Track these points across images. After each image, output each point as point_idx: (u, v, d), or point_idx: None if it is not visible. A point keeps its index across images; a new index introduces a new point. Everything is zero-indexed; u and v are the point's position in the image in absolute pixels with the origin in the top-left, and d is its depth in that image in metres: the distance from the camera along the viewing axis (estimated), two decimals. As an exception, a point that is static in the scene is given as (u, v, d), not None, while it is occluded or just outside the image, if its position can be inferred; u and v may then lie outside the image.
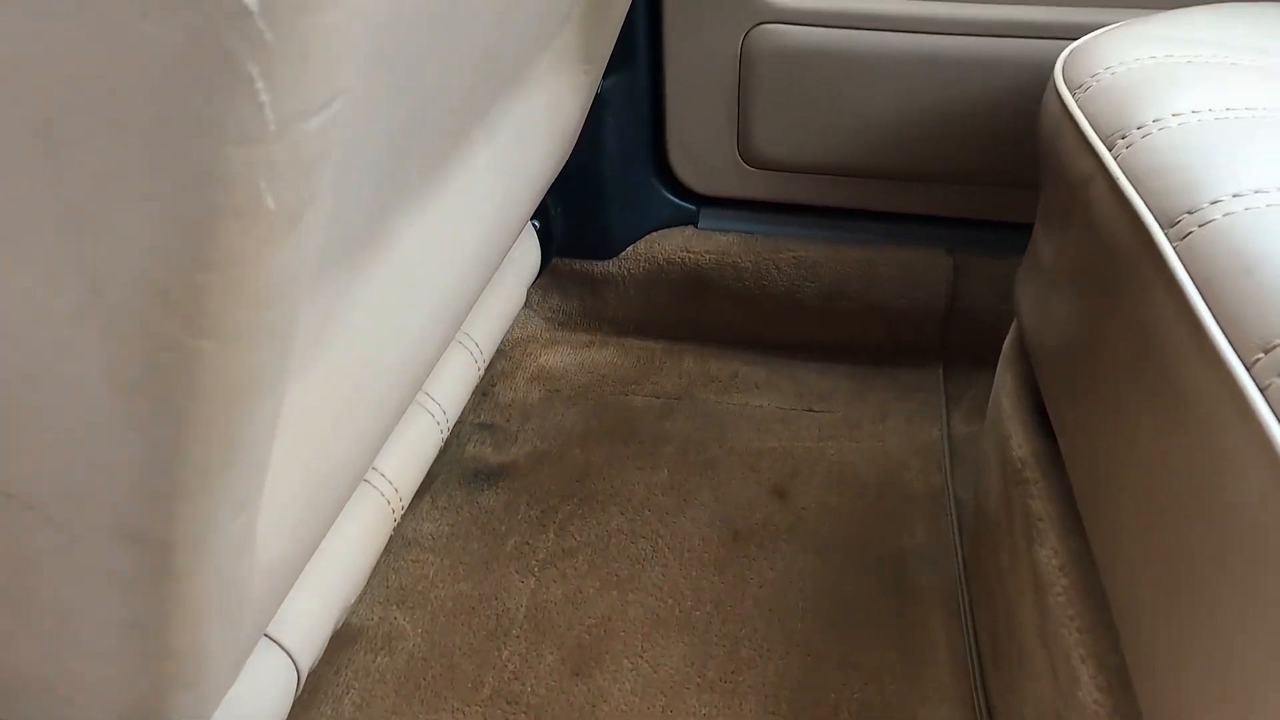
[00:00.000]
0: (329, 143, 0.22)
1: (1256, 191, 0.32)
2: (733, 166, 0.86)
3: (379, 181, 0.34)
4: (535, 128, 0.57)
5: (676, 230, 0.90)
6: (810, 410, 0.88)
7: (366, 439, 0.39)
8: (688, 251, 0.89)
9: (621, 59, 0.80)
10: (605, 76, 0.82)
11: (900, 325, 0.88)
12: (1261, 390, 0.26)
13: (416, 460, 0.59)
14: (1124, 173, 0.38)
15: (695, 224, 0.91)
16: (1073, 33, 0.72)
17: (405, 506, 0.58)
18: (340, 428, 0.37)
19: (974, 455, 0.76)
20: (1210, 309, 0.28)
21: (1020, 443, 0.48)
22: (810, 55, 0.77)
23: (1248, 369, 0.26)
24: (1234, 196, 0.33)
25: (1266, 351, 0.26)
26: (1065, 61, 0.53)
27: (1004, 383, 0.54)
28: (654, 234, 0.91)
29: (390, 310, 0.38)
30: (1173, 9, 0.70)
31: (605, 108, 0.81)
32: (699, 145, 0.86)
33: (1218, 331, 0.27)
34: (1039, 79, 0.74)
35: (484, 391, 0.91)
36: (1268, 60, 0.46)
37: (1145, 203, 0.35)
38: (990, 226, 0.84)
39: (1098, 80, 0.47)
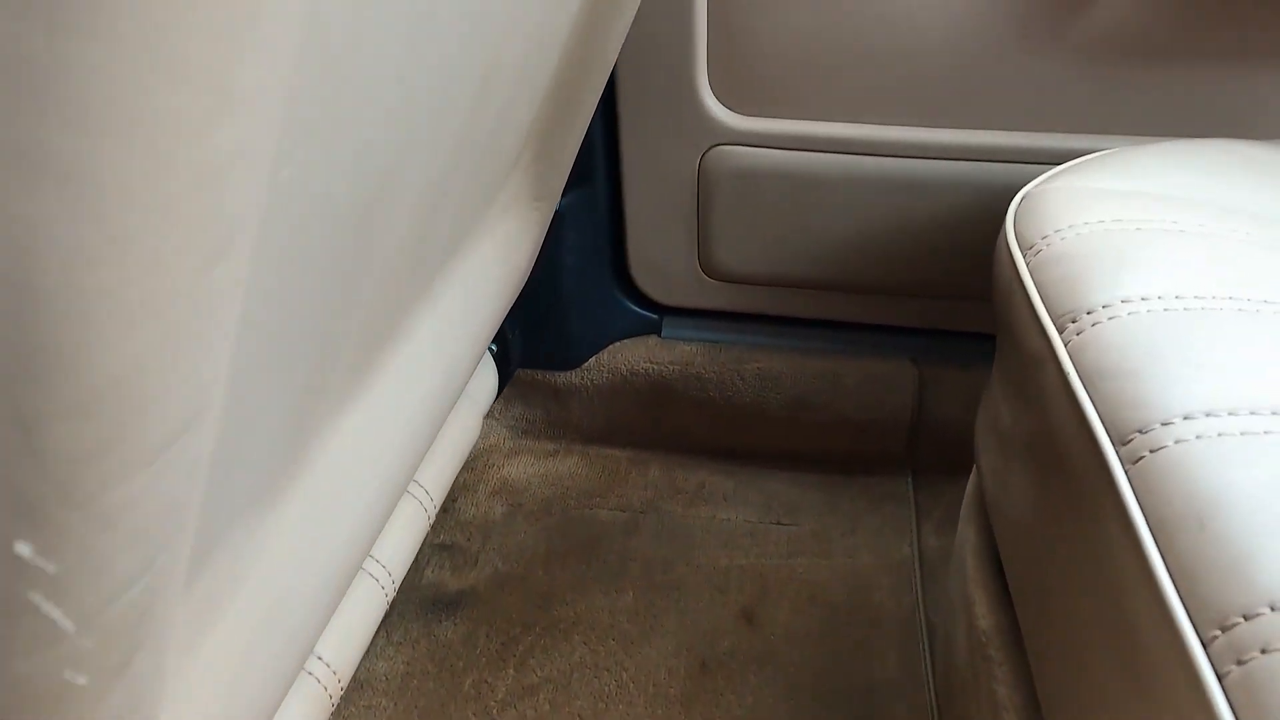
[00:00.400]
0: (157, 592, 0.21)
1: (1207, 414, 0.32)
2: (694, 278, 0.85)
3: (297, 402, 0.33)
4: (484, 277, 0.55)
5: (640, 340, 0.89)
6: (779, 523, 0.86)
7: (294, 650, 0.37)
8: (651, 362, 0.88)
9: (580, 177, 0.80)
10: (564, 194, 0.81)
11: (867, 435, 0.87)
12: (1220, 678, 0.24)
13: (357, 635, 0.56)
14: (1076, 370, 0.37)
15: (659, 333, 0.90)
16: (1029, 156, 0.72)
17: (345, 688, 0.55)
18: (262, 645, 0.35)
19: (945, 575, 0.74)
20: (1168, 567, 0.27)
21: (984, 613, 0.47)
22: (767, 176, 0.77)
23: (1205, 646, 0.25)
24: (1184, 419, 0.32)
25: (1224, 629, 0.25)
26: (1016, 213, 0.52)
27: (966, 536, 0.53)
28: (617, 344, 0.90)
29: (311, 534, 0.36)
30: (1126, 134, 0.71)
31: (564, 224, 0.81)
32: (660, 258, 0.85)
33: (1176, 601, 0.26)
34: (996, 202, 0.74)
35: (444, 507, 0.88)
36: (1212, 224, 0.46)
37: (1099, 412, 0.34)
38: (955, 336, 0.84)
39: (1048, 244, 0.47)
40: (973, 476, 0.57)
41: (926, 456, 0.87)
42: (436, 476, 0.63)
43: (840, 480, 0.89)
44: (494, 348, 0.78)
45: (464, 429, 0.69)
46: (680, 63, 0.73)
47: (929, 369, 0.85)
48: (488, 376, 0.76)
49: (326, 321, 0.32)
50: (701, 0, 0.71)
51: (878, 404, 0.85)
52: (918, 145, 0.73)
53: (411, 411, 0.49)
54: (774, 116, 0.75)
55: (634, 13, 0.57)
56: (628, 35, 0.73)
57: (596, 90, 0.60)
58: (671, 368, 0.88)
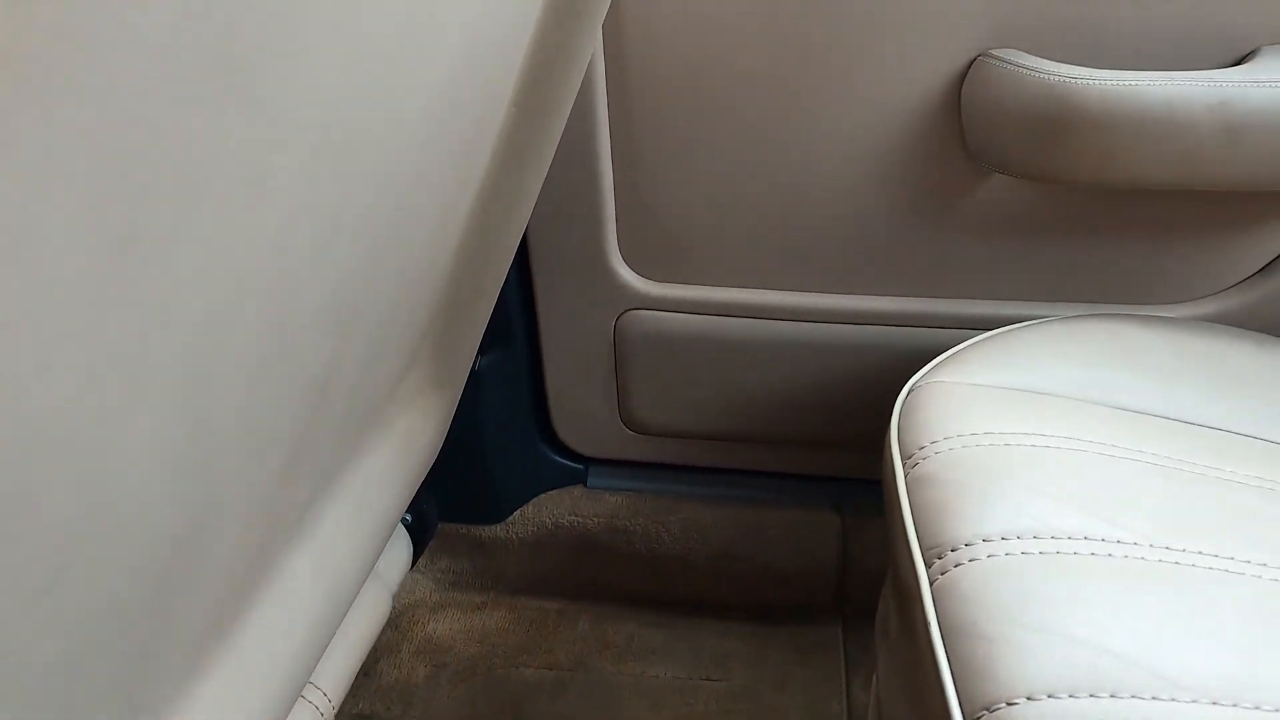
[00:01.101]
0: None
1: (1070, 695, 0.32)
2: (617, 431, 0.85)
3: (126, 676, 0.31)
4: (379, 482, 0.55)
5: (566, 491, 0.89)
6: (708, 679, 0.84)
7: None
8: (576, 515, 0.87)
9: (498, 339, 0.81)
10: (482, 354, 0.82)
11: (794, 585, 0.86)
12: None
13: None
14: (938, 622, 0.37)
15: (584, 483, 0.89)
16: (931, 321, 0.74)
17: None
18: None
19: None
20: None
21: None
22: (680, 338, 0.78)
23: None
24: (1028, 700, 0.32)
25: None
26: (902, 410, 0.54)
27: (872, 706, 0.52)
28: (543, 495, 0.89)
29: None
30: (1018, 299, 0.73)
31: (484, 383, 0.81)
32: (582, 411, 0.85)
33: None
34: (904, 362, 0.76)
35: (365, 670, 0.85)
36: (1079, 431, 0.47)
37: (954, 678, 0.35)
38: (877, 484, 0.84)
39: (924, 458, 0.47)
40: (877, 672, 0.56)
41: (855, 605, 0.87)
42: (336, 675, 0.61)
43: (770, 629, 0.88)
44: (408, 517, 0.77)
45: (369, 614, 0.67)
46: (591, 232, 0.75)
47: (853, 517, 0.85)
48: (399, 552, 0.75)
49: (188, 560, 0.31)
50: (608, 172, 0.73)
51: (804, 553, 0.85)
52: (823, 311, 0.75)
53: (304, 625, 0.48)
54: (684, 282, 0.77)
55: (532, 200, 0.58)
56: (541, 205, 0.75)
57: (499, 279, 0.61)
58: (597, 520, 0.87)
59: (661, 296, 0.77)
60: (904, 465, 0.48)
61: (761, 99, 0.68)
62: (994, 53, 0.63)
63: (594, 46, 0.55)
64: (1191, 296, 0.71)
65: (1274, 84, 0.57)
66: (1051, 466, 0.44)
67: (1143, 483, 0.44)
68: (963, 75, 0.64)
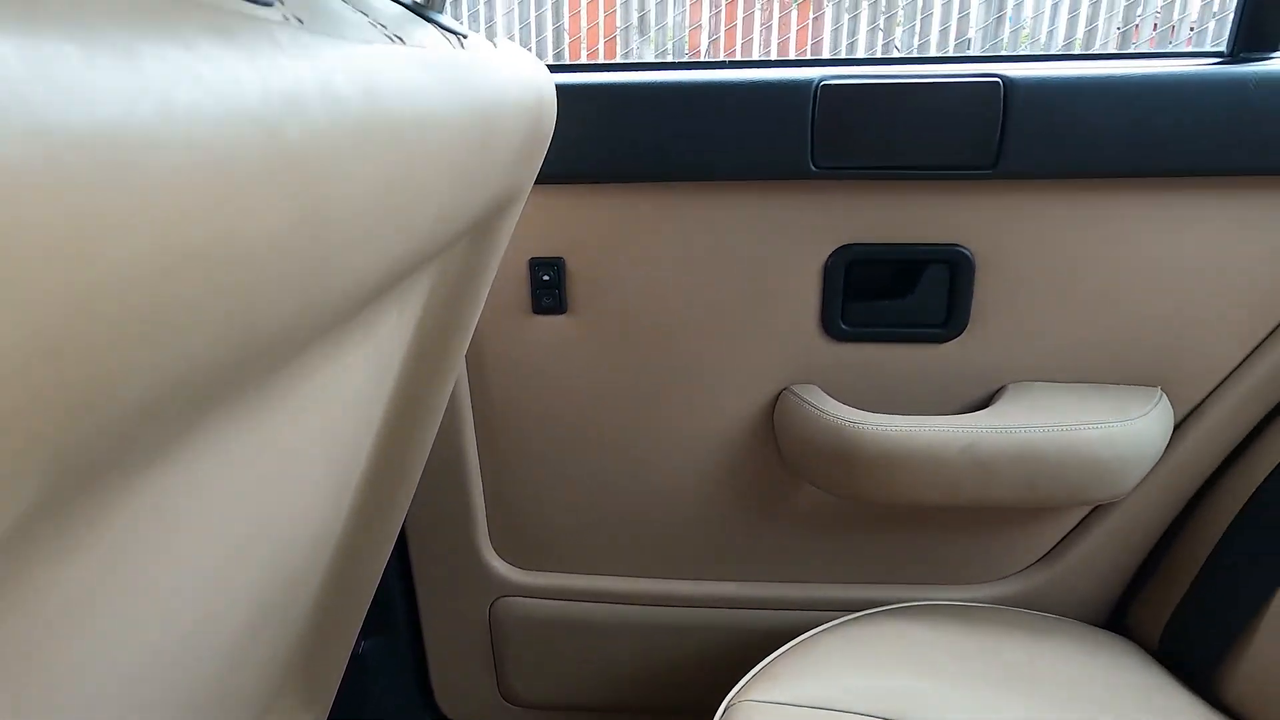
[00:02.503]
0: None
1: None
2: (498, 706, 0.89)
3: None
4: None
5: (449, 764, 0.91)
6: None
7: None
8: (458, 791, 0.89)
9: (380, 624, 0.85)
10: (365, 638, 0.86)
11: None
12: None
13: None
14: None
15: (468, 755, 0.92)
16: (769, 604, 0.82)
17: None
18: None
19: None
20: None
21: None
22: (551, 623, 0.84)
23: None
24: None
25: None
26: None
27: None
28: (426, 770, 0.91)
29: None
30: (852, 582, 0.82)
31: (367, 664, 0.85)
32: (462, 687, 0.89)
33: None
34: (746, 641, 0.82)
35: None
36: None
37: None
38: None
39: None
40: None
41: None
42: None
43: None
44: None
45: None
46: (465, 529, 0.82)
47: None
48: None
49: None
50: (477, 478, 0.81)
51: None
52: (673, 596, 0.83)
53: None
54: (552, 571, 0.84)
55: (390, 542, 0.65)
56: (419, 506, 0.82)
57: (362, 606, 0.67)
58: (479, 795, 0.89)
59: (531, 584, 0.84)
60: None
61: (612, 419, 0.78)
62: (794, 389, 0.74)
63: (445, 399, 0.64)
64: (991, 578, 0.81)
65: (1010, 428, 0.69)
66: None
67: None
68: (774, 404, 0.76)
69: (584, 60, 3.98)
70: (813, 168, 0.67)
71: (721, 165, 0.68)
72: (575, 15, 3.96)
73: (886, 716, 0.60)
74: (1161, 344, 0.72)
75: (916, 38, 3.82)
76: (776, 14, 3.99)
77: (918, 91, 0.65)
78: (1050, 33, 3.75)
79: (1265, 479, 0.69)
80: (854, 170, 0.67)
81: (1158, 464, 0.75)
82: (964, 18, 3.77)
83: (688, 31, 4.01)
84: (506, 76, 0.41)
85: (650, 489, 0.80)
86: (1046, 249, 0.70)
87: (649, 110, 0.67)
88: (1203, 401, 0.73)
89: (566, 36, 3.92)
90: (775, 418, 0.76)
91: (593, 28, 3.97)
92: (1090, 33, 3.75)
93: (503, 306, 0.75)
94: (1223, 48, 0.68)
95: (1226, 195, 0.67)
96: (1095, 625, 0.78)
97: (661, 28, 3.99)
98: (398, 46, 0.27)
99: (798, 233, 0.71)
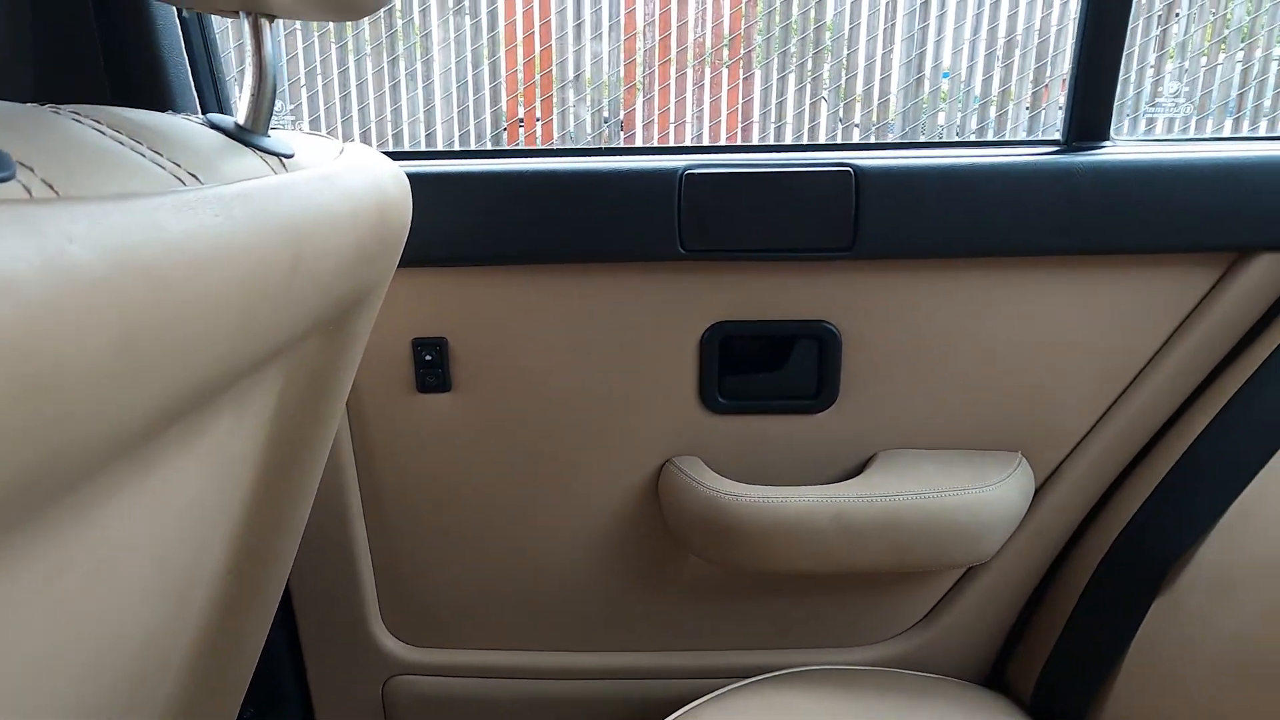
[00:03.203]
0: None
1: None
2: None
3: None
4: None
5: None
6: None
7: None
8: None
9: (270, 706, 0.84)
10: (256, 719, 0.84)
11: None
12: None
13: None
14: None
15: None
16: (664, 674, 0.83)
17: None
18: None
19: None
20: None
21: None
22: (447, 701, 0.84)
23: None
24: None
25: None
26: None
27: None
28: None
29: None
30: (747, 648, 0.83)
31: (255, 755, 0.83)
32: (358, 771, 0.87)
33: None
34: (642, 712, 0.83)
35: None
36: None
37: None
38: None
39: None
40: None
41: None
42: None
43: None
44: None
45: None
46: (355, 606, 0.82)
47: None
48: None
49: None
50: (366, 555, 0.81)
51: None
52: (567, 669, 0.83)
53: None
54: (445, 647, 0.84)
55: (272, 611, 0.64)
56: (308, 582, 0.81)
57: (236, 696, 0.66)
58: None
59: (424, 662, 0.83)
60: None
61: (500, 495, 0.79)
62: (676, 461, 0.76)
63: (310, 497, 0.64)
64: (875, 640, 0.83)
65: (876, 497, 0.72)
66: None
67: None
68: (657, 476, 0.78)
69: (520, 115, 4.05)
70: (681, 250, 0.70)
71: (596, 248, 0.70)
72: (512, 74, 4.04)
73: None
74: (1019, 412, 0.76)
75: (842, 98, 3.98)
76: (708, 75, 4.13)
77: (776, 179, 0.68)
78: (967, 90, 3.95)
79: (1118, 534, 0.72)
80: (722, 253, 0.70)
81: (1023, 524, 0.78)
82: (885, 79, 3.95)
83: (623, 91, 4.12)
84: (339, 188, 0.42)
85: (540, 564, 0.81)
86: (906, 324, 0.73)
87: (527, 197, 0.69)
88: (1060, 464, 0.77)
89: (504, 91, 3.99)
90: (659, 489, 0.77)
91: (530, 87, 4.05)
92: (1004, 92, 3.96)
93: (387, 386, 0.75)
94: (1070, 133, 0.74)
95: (1067, 274, 0.72)
96: (975, 683, 0.80)
97: (597, 86, 4.09)
98: (171, 195, 0.28)
99: (673, 311, 0.73)
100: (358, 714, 0.85)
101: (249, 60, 0.42)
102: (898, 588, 0.81)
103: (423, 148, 3.71)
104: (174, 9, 0.68)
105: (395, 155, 0.73)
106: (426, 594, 0.82)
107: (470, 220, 0.70)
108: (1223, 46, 3.87)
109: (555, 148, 0.75)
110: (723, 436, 0.77)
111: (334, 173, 0.43)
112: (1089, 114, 0.72)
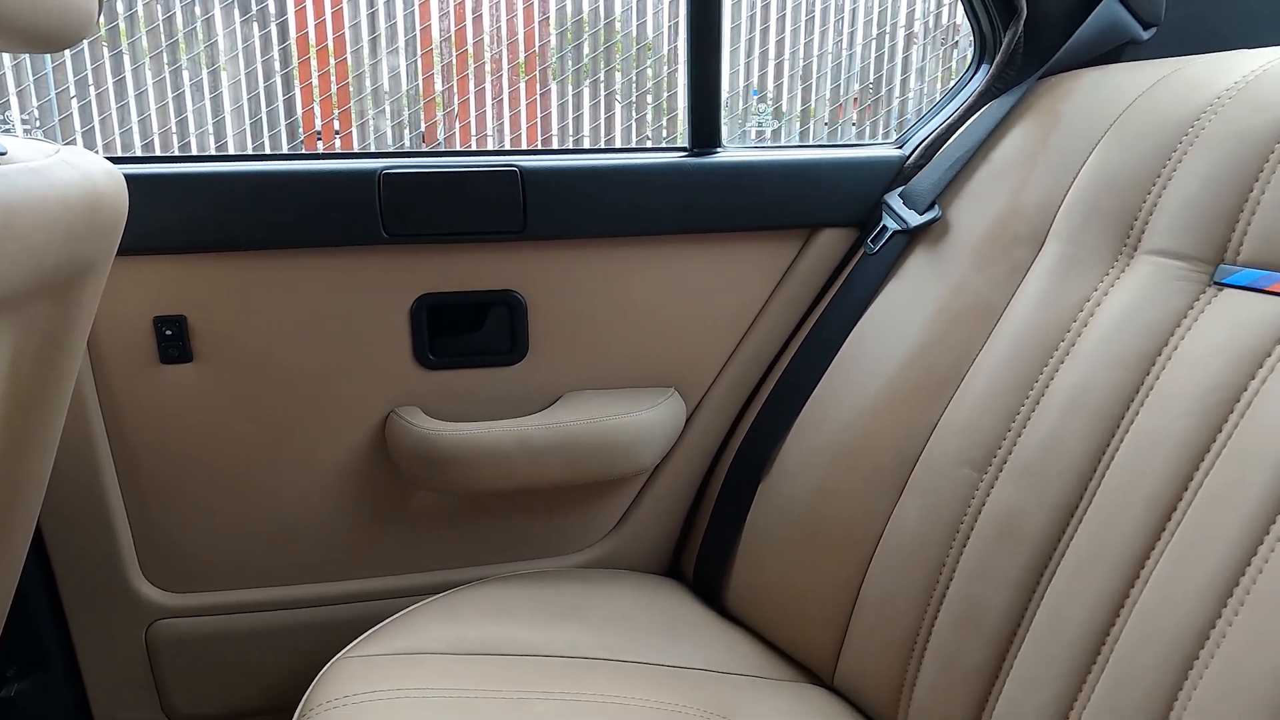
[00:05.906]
0: None
1: None
2: (162, 725, 0.97)
3: None
4: None
5: (116, 792, 0.97)
6: None
7: None
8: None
9: (32, 663, 0.91)
10: (20, 679, 0.92)
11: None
12: None
13: None
14: None
15: (136, 781, 0.98)
16: (400, 593, 0.98)
17: None
18: None
19: None
20: None
21: None
22: (206, 639, 0.95)
23: None
24: None
25: None
26: (321, 677, 0.74)
27: None
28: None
29: None
30: (470, 573, 0.99)
31: (18, 712, 0.90)
32: (123, 715, 0.96)
33: None
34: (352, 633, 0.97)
35: None
36: (474, 684, 0.71)
37: None
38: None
39: (321, 711, 0.68)
40: None
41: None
42: None
43: None
44: None
45: None
46: (113, 560, 0.91)
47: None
48: None
49: None
50: (121, 509, 0.91)
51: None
52: (320, 597, 0.97)
53: None
54: (202, 591, 0.95)
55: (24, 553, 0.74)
56: (64, 538, 0.90)
57: None
58: (147, 815, 0.96)
59: (183, 605, 0.94)
60: (315, 710, 0.69)
61: (244, 452, 0.91)
62: (399, 410, 0.93)
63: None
64: (577, 549, 1.03)
65: (552, 424, 0.91)
66: (418, 713, 0.67)
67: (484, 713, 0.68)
68: (384, 424, 0.93)
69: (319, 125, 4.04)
70: (385, 235, 0.86)
71: (315, 235, 0.85)
72: (307, 86, 4.03)
73: (464, 651, 0.77)
74: (670, 356, 0.98)
75: (635, 113, 4.28)
76: (506, 89, 4.30)
77: (459, 177, 0.87)
78: (790, 100, 4.36)
79: (741, 441, 0.96)
80: (419, 236, 0.87)
81: (682, 442, 1.00)
82: (672, 118, 4.29)
83: (423, 104, 4.20)
84: (47, 178, 0.55)
85: (283, 508, 0.94)
86: (576, 290, 0.93)
87: (254, 193, 0.83)
88: (704, 395, 1.00)
89: (299, 103, 3.97)
90: (386, 435, 0.93)
91: (325, 98, 4.05)
92: (819, 101, 4.42)
93: (132, 358, 0.86)
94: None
95: (693, 248, 0.95)
96: (656, 574, 1.02)
97: (396, 99, 4.15)
98: None
99: (384, 286, 0.89)
100: (122, 661, 0.95)
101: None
102: (591, 501, 1.01)
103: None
104: None
105: (141, 159, 0.85)
106: (181, 544, 0.93)
107: (204, 213, 0.83)
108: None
109: (278, 152, 0.89)
110: (437, 388, 0.93)
111: (44, 166, 0.56)
112: (702, 128, 0.95)
